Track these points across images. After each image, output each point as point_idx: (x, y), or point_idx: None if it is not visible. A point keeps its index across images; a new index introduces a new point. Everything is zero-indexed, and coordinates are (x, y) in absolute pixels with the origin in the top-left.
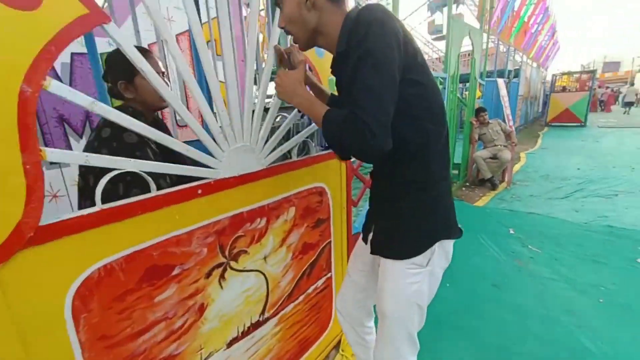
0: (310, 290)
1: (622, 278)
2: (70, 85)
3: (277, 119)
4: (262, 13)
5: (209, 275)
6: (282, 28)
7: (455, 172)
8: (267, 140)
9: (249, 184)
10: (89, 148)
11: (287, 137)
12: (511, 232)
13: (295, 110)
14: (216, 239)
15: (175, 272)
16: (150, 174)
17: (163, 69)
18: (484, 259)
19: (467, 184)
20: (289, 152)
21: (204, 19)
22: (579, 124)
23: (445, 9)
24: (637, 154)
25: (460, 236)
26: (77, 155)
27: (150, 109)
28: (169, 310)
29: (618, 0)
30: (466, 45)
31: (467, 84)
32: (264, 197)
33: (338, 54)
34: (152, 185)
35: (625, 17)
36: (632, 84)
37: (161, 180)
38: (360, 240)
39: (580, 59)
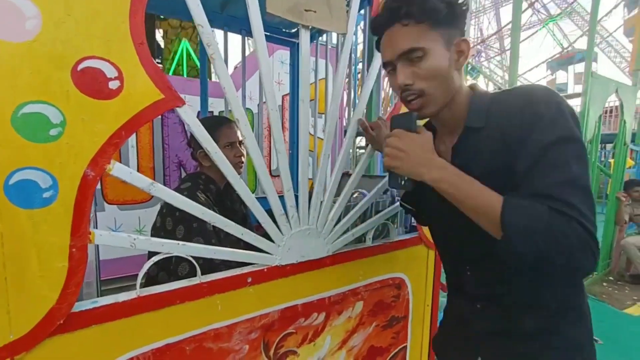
0: None
1: None
2: (163, 137)
3: (355, 195)
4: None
5: None
6: (407, 86)
7: None
8: (337, 222)
9: (308, 273)
10: (159, 212)
11: (362, 217)
12: None
13: (378, 187)
14: (261, 335)
15: None
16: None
17: (241, 138)
18: None
19: (611, 278)
20: (363, 235)
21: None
22: None
23: (570, 67)
24: None
25: None
26: (123, 238)
27: (224, 177)
28: None
29: None
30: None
31: (610, 147)
32: (325, 288)
33: (468, 129)
34: (198, 272)
35: None
36: None
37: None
38: None
39: None
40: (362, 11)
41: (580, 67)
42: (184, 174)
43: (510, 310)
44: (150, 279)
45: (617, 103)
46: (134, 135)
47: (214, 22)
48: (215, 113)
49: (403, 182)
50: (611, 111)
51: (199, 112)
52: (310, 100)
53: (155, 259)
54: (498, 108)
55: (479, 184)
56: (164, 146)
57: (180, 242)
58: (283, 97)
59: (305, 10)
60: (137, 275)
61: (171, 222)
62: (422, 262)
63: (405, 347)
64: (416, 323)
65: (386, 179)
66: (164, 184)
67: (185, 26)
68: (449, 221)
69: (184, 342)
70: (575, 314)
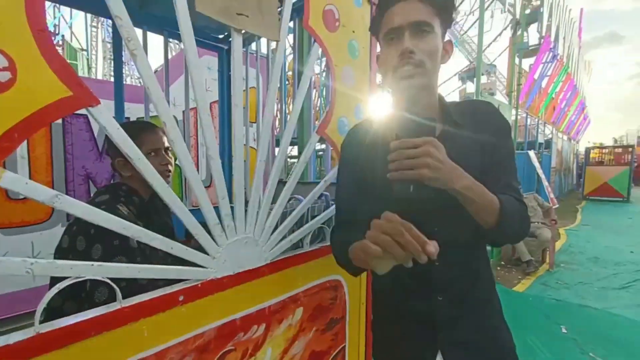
0: None
1: None
2: (103, 147)
3: (290, 202)
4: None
5: None
6: (411, 53)
7: (488, 248)
8: (275, 229)
9: (246, 284)
10: (66, 231)
11: (299, 223)
12: (564, 331)
13: (315, 191)
14: (196, 358)
15: None
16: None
17: (167, 144)
18: None
19: (502, 263)
20: (301, 240)
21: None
22: (621, 199)
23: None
24: None
25: None
26: (15, 263)
27: (148, 186)
28: None
29: None
30: None
31: None
32: (265, 297)
33: (451, 123)
34: (119, 295)
35: None
36: None
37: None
38: None
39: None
40: (292, 23)
41: (484, 79)
42: (93, 189)
43: (466, 293)
44: (55, 312)
45: None
46: (24, 144)
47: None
48: (133, 118)
49: (414, 190)
50: None
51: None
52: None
53: (62, 284)
54: (468, 111)
55: (482, 186)
56: (67, 157)
57: (95, 263)
58: (211, 104)
59: (238, 14)
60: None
61: (84, 242)
62: None
63: (344, 347)
64: (353, 322)
65: (321, 184)
66: None
67: None
68: (425, 217)
69: None
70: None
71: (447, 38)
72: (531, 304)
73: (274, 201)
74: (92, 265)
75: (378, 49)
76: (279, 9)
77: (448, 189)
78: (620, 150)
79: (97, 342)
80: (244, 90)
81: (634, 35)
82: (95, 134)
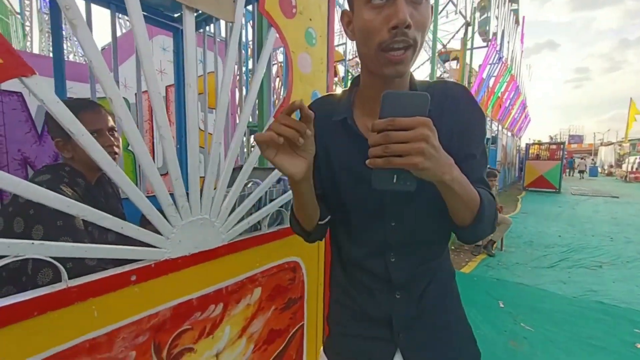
0: None
1: None
2: (43, 129)
3: (249, 185)
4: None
5: None
6: (407, 27)
7: None
8: (232, 211)
9: (203, 264)
10: (1, 213)
11: (257, 206)
12: (501, 305)
13: (272, 175)
14: (151, 337)
15: None
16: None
17: (111, 124)
18: (478, 339)
19: (452, 247)
20: (259, 222)
21: (200, 72)
22: (554, 190)
23: (446, 64)
24: (613, 224)
25: None
26: None
27: (94, 169)
28: None
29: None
30: None
31: None
32: (222, 278)
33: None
34: (64, 275)
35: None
36: (595, 155)
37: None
38: None
39: (549, 130)
40: (250, 7)
41: (454, 64)
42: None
43: (425, 290)
44: None
45: None
46: None
47: None
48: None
49: (398, 181)
50: None
51: None
52: (200, 95)
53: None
54: (439, 96)
55: (466, 178)
56: None
57: (36, 242)
58: (167, 87)
59: None
60: None
61: (22, 223)
62: (314, 246)
63: (303, 325)
64: (311, 302)
65: (277, 171)
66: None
67: None
68: (387, 211)
69: None
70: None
71: None
72: (475, 283)
73: (231, 186)
74: (32, 243)
75: (337, 29)
76: None
77: (436, 181)
78: (554, 146)
79: (41, 322)
80: (201, 76)
81: (568, 44)
82: (33, 114)
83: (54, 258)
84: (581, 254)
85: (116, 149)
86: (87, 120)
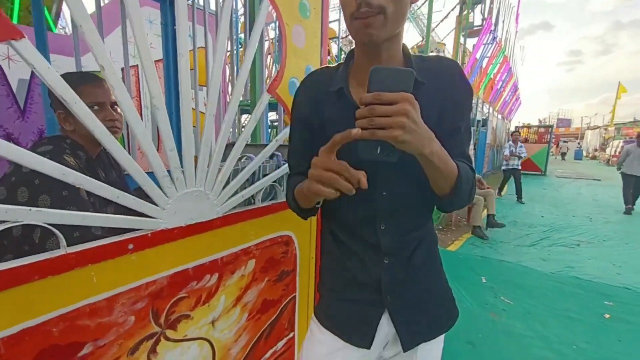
0: (267, 356)
1: (593, 336)
2: (26, 105)
3: (242, 160)
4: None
5: (134, 350)
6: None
7: None
8: (226, 184)
9: (199, 235)
10: (3, 183)
11: (251, 180)
12: (483, 280)
13: (266, 150)
14: (149, 304)
15: (84, 351)
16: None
17: (114, 98)
18: (461, 311)
19: (440, 227)
20: (252, 197)
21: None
22: (540, 173)
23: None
24: (593, 205)
25: None
26: None
27: (94, 142)
28: None
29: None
30: None
31: None
32: (217, 249)
33: (417, 81)
34: (62, 242)
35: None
36: (582, 139)
37: (95, 227)
38: (332, 347)
39: (539, 113)
40: None
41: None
42: None
43: (411, 256)
44: None
45: None
46: None
47: None
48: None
49: (381, 151)
50: None
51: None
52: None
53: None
54: (434, 69)
55: (446, 151)
56: None
57: (34, 208)
58: (155, 62)
59: None
60: None
61: (27, 193)
62: (306, 221)
63: (295, 296)
64: (303, 274)
65: (272, 143)
66: None
67: None
68: (379, 181)
69: (48, 324)
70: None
71: None
72: (461, 260)
73: (225, 160)
74: (30, 210)
75: (331, 4)
76: None
77: (416, 154)
78: (543, 130)
79: (41, 286)
80: (191, 50)
81: (562, 26)
82: (14, 89)
83: (57, 226)
84: (562, 233)
85: (117, 124)
86: (88, 93)
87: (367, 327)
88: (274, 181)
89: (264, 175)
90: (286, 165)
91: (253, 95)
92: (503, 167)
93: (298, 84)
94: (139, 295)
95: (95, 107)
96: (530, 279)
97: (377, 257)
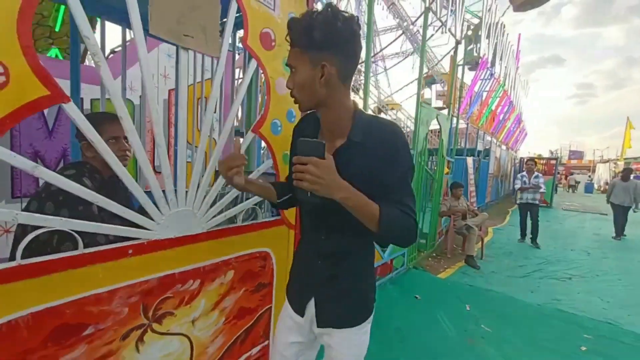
0: (242, 359)
1: None
2: (54, 126)
3: (228, 186)
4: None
5: (125, 337)
6: (289, 88)
7: (423, 241)
8: (212, 205)
9: (186, 246)
10: (35, 197)
11: (234, 202)
12: (467, 308)
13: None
14: (140, 299)
15: (87, 331)
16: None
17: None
18: (437, 336)
19: (434, 254)
20: (235, 217)
21: (198, 78)
22: (545, 205)
23: (433, 86)
24: (594, 239)
25: None
26: (5, 213)
27: (108, 168)
28: None
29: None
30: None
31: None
32: (200, 259)
33: (350, 141)
34: (80, 243)
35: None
36: (594, 172)
37: (100, 236)
38: (288, 312)
39: (550, 144)
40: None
41: (439, 87)
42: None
43: (341, 261)
44: None
45: (438, 127)
46: None
47: (89, 9)
48: (87, 100)
49: (310, 195)
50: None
51: None
52: (199, 99)
53: (36, 232)
54: (374, 132)
55: (365, 198)
56: (13, 133)
57: (64, 218)
58: (169, 91)
59: (184, 35)
60: None
61: (52, 206)
62: (284, 239)
63: (271, 307)
64: (280, 288)
65: (254, 172)
66: (12, 178)
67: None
68: (320, 210)
69: (63, 306)
70: (371, 260)
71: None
72: (449, 288)
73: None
74: (62, 219)
75: None
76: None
77: (332, 198)
78: (553, 161)
79: (62, 277)
80: (199, 82)
81: (573, 60)
82: (45, 112)
83: (69, 234)
84: (556, 266)
85: (128, 153)
86: (108, 129)
87: (301, 301)
88: (255, 204)
89: (247, 199)
90: None
91: (248, 126)
92: (517, 201)
93: (280, 124)
94: (133, 291)
95: (112, 140)
96: (514, 309)
97: (317, 258)
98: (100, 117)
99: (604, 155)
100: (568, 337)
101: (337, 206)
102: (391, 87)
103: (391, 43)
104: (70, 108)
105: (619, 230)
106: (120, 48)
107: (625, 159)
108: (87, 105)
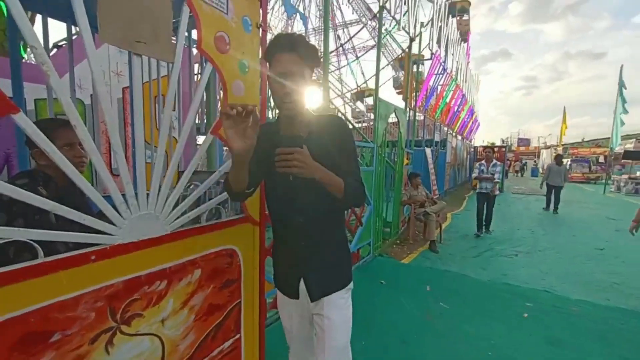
0: (215, 353)
1: (508, 332)
2: None
3: (191, 187)
4: None
5: (94, 340)
6: (289, 96)
7: (387, 229)
8: (175, 207)
9: (150, 249)
10: None
11: (198, 203)
12: (428, 289)
13: (211, 179)
14: (107, 303)
15: (54, 338)
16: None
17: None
18: (400, 316)
19: (398, 241)
20: (199, 217)
21: (154, 75)
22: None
23: (365, 99)
24: (536, 218)
25: None
26: None
27: (64, 175)
28: None
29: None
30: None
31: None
32: (165, 260)
33: (309, 134)
34: (40, 253)
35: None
36: (539, 157)
37: (60, 244)
38: (285, 300)
39: (501, 133)
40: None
41: (369, 100)
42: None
43: (319, 241)
44: None
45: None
46: None
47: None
48: (30, 100)
49: (292, 178)
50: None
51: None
52: (156, 97)
53: None
54: (323, 125)
55: (333, 174)
56: None
57: (21, 228)
58: (124, 89)
59: (136, 42)
60: None
61: (5, 217)
62: (249, 236)
63: (240, 302)
64: (247, 283)
65: (215, 174)
66: None
67: None
68: (294, 191)
69: (28, 315)
70: (344, 235)
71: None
72: (411, 271)
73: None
74: (19, 230)
75: None
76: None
77: (311, 178)
78: (503, 149)
79: (23, 287)
80: (154, 80)
81: (520, 54)
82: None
83: (28, 243)
84: (504, 245)
85: (84, 160)
86: (62, 135)
87: (293, 284)
88: (219, 204)
89: (210, 199)
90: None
91: (208, 127)
92: (478, 190)
93: None
94: (98, 296)
95: (66, 147)
96: (468, 286)
97: (298, 239)
98: (53, 124)
99: (547, 142)
100: (513, 306)
101: (311, 186)
102: (365, 74)
103: (350, 38)
104: (20, 118)
105: (549, 205)
106: (64, 42)
107: (563, 144)
108: (30, 106)
